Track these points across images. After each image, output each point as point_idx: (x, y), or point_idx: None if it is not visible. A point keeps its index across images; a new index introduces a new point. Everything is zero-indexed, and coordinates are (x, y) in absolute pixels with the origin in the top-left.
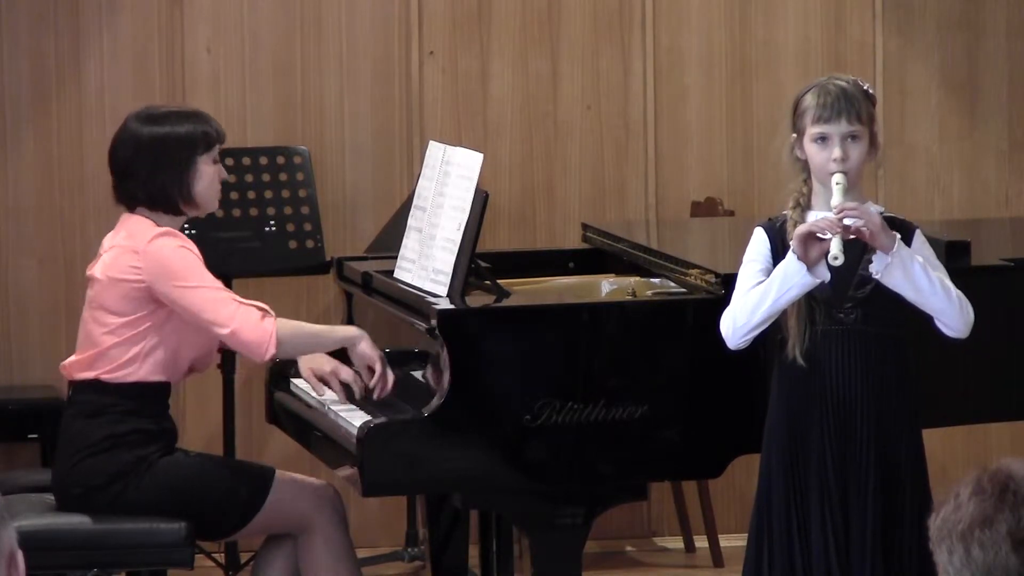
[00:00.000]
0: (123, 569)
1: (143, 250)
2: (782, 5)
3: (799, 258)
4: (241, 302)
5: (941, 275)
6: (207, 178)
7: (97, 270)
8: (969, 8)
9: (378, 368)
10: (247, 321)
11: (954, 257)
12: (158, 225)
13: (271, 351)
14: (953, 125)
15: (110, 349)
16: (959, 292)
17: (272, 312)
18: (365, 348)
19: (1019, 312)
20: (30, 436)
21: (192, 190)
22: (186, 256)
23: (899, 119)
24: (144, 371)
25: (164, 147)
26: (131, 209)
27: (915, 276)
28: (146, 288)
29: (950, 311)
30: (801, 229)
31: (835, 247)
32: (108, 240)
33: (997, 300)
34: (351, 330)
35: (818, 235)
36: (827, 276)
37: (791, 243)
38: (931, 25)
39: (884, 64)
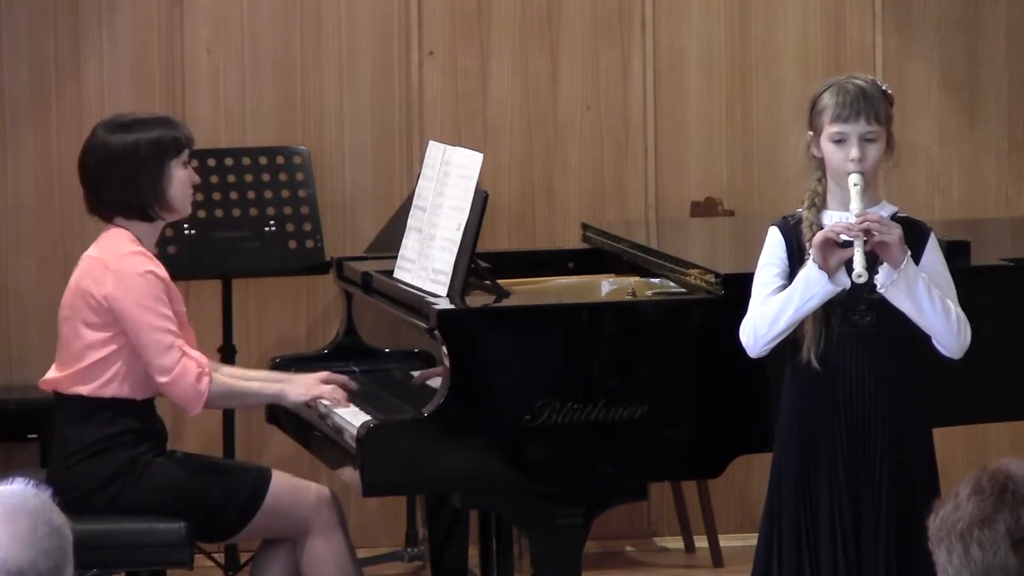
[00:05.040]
0: (123, 569)
1: (114, 266)
2: (782, 5)
3: (820, 267)
4: (185, 352)
5: (947, 292)
6: (179, 182)
7: (71, 281)
8: (969, 8)
9: (317, 397)
10: (184, 377)
11: (954, 257)
12: (135, 236)
13: (198, 410)
14: (953, 125)
15: (91, 368)
16: (961, 313)
17: (209, 369)
18: (295, 398)
19: (1019, 312)
20: (29, 436)
21: (166, 195)
22: (151, 284)
23: (899, 119)
24: (126, 389)
25: (135, 154)
26: (107, 220)
27: (918, 295)
28: (108, 303)
29: (947, 334)
30: (819, 237)
31: (859, 265)
32: (85, 254)
33: (997, 300)
34: (275, 388)
35: (836, 240)
36: (848, 283)
37: (810, 251)
38: (931, 25)
39: (884, 64)
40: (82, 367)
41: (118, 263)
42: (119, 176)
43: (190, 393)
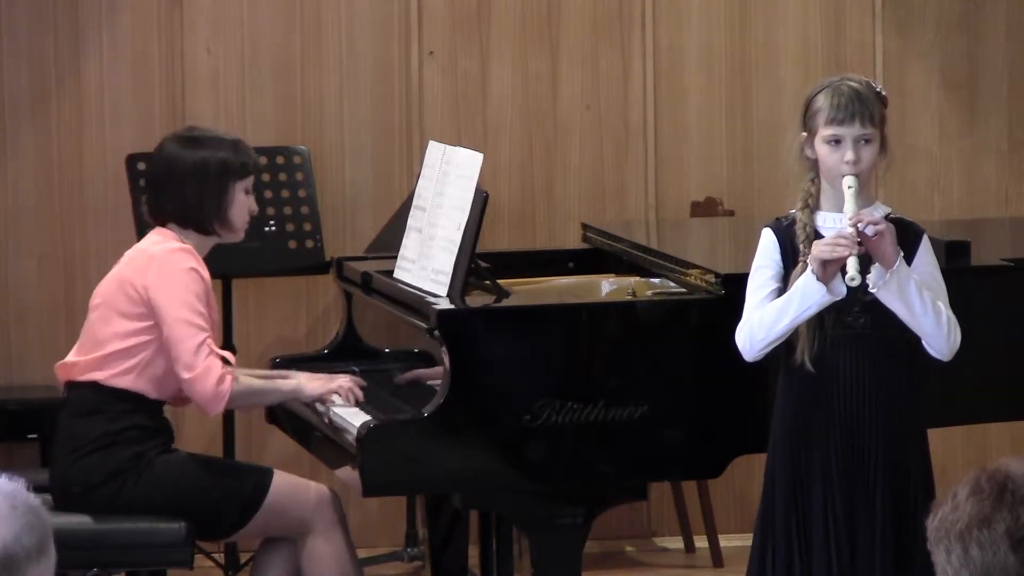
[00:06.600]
0: (123, 569)
1: (159, 258)
2: (782, 5)
3: (818, 278)
4: (213, 350)
5: (938, 294)
6: (240, 205)
7: (113, 271)
8: (969, 8)
9: (333, 392)
10: (207, 376)
11: (954, 257)
12: (184, 242)
13: (217, 411)
14: (953, 125)
15: (112, 355)
16: (951, 315)
17: (234, 368)
18: (312, 392)
19: (1019, 312)
20: (29, 436)
21: (227, 213)
22: (193, 280)
23: (899, 119)
24: (140, 383)
25: (201, 171)
26: (161, 224)
27: (910, 296)
28: (147, 293)
29: (937, 335)
30: (817, 254)
31: (852, 268)
32: (134, 247)
33: (997, 300)
34: (292, 383)
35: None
36: (844, 292)
37: (808, 262)
38: (931, 25)
39: (884, 64)
40: (103, 354)
41: (164, 256)
42: (182, 189)
43: (210, 393)
